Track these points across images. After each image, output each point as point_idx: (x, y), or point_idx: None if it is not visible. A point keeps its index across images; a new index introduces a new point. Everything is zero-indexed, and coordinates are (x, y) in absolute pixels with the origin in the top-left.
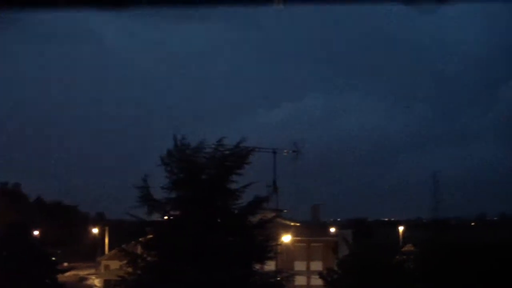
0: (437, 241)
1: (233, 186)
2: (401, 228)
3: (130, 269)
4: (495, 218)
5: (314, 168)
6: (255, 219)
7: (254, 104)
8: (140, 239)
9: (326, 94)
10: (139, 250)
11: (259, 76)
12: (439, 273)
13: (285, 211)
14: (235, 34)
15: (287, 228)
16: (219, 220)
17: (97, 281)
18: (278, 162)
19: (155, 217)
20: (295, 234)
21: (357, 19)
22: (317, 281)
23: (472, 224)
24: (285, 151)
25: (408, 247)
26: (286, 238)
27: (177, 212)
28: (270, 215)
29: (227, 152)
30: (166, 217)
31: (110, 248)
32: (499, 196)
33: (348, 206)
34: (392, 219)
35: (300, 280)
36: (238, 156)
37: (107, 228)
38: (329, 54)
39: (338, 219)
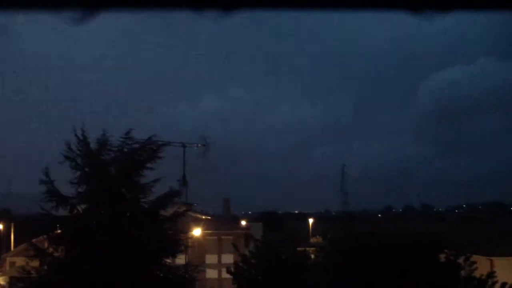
0: (344, 232)
1: (143, 180)
2: (311, 221)
3: (36, 265)
4: (400, 210)
5: (228, 161)
6: (165, 213)
7: (176, 98)
8: (48, 234)
9: (248, 89)
10: (46, 246)
11: (183, 72)
12: (345, 264)
13: (195, 204)
14: (159, 34)
15: (198, 222)
16: (128, 215)
17: (1, 279)
18: (192, 156)
19: (64, 212)
20: (206, 227)
21: (279, 18)
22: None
23: (379, 215)
24: (194, 145)
25: (317, 239)
26: (197, 232)
27: (85, 207)
28: (180, 208)
29: (136, 145)
30: (74, 212)
31: (16, 245)
32: (406, 189)
33: (260, 199)
34: (303, 212)
35: (211, 273)
36: (148, 151)
37: (12, 224)
38: (252, 52)
39: (250, 212)
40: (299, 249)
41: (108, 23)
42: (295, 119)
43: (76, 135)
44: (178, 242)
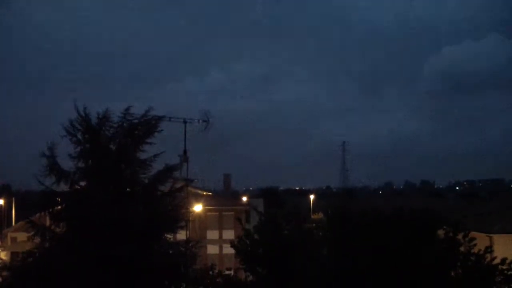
0: (344, 208)
1: (143, 155)
2: (312, 197)
3: (37, 241)
4: (401, 187)
5: (231, 137)
6: (165, 188)
7: (182, 72)
8: (48, 210)
9: (252, 63)
10: (47, 222)
11: (185, 45)
12: (346, 240)
13: (195, 180)
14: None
15: (198, 198)
16: (128, 190)
17: (3, 254)
18: (193, 132)
19: (64, 187)
20: (207, 203)
21: None
22: (229, 249)
23: (380, 192)
24: (196, 120)
25: (318, 215)
26: (198, 208)
27: (85, 183)
28: (180, 184)
29: (135, 121)
30: (74, 188)
31: (17, 220)
32: (407, 165)
33: (262, 175)
34: (303, 188)
35: (212, 249)
36: (147, 125)
37: (13, 200)
38: (253, 23)
39: (251, 188)
40: (306, 225)
41: None
42: (298, 95)
43: (77, 110)
44: (178, 217)
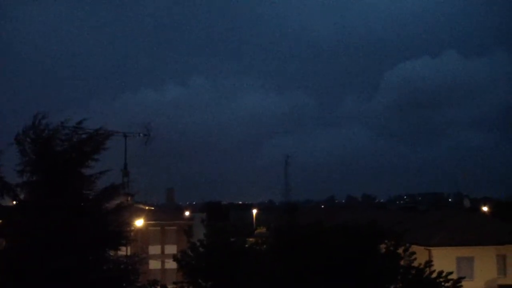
0: (286, 222)
1: (89, 171)
2: (254, 211)
3: None
4: (343, 201)
5: (175, 151)
6: (110, 205)
7: (139, 83)
8: None
9: (210, 78)
10: None
11: (142, 57)
12: (289, 254)
13: (136, 194)
14: (112, 14)
15: (140, 212)
16: (73, 205)
17: None
18: (136, 146)
19: (7, 201)
20: (149, 218)
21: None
22: (171, 264)
23: (322, 206)
24: (136, 134)
25: (261, 229)
26: (139, 222)
27: (28, 196)
28: (125, 200)
29: (84, 136)
30: (17, 201)
31: None
32: (349, 180)
33: (205, 189)
34: (246, 202)
35: (154, 264)
36: (95, 141)
37: None
38: (209, 39)
39: (194, 202)
40: (249, 240)
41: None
42: (250, 110)
43: (34, 121)
44: (121, 233)
